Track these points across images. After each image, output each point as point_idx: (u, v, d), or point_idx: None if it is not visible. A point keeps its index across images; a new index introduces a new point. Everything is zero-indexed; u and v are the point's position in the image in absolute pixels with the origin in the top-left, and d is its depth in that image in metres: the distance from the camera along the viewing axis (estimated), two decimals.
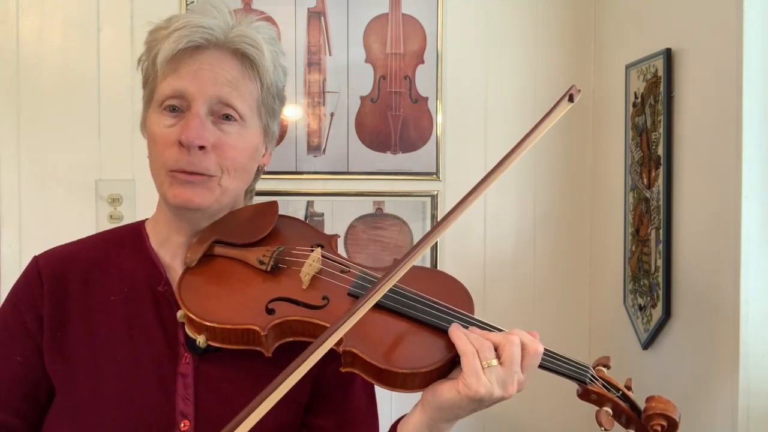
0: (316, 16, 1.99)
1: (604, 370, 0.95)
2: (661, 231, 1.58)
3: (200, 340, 0.90)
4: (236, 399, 0.95)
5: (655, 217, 1.62)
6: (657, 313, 1.59)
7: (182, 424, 0.94)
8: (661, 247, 1.58)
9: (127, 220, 1.89)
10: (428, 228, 2.02)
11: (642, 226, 1.70)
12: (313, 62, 2.00)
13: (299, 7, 1.99)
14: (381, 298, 0.90)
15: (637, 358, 1.70)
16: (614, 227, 1.89)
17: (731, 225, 1.33)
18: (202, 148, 0.95)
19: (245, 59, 0.99)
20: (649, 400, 0.93)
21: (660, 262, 1.58)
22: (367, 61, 2.01)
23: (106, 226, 1.91)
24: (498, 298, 2.04)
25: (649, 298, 1.65)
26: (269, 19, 1.98)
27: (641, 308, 1.69)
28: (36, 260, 1.03)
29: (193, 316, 0.90)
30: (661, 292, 1.57)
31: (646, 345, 1.64)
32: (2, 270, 1.91)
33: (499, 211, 2.05)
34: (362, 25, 2.00)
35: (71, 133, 1.94)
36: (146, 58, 1.00)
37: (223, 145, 0.97)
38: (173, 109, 0.96)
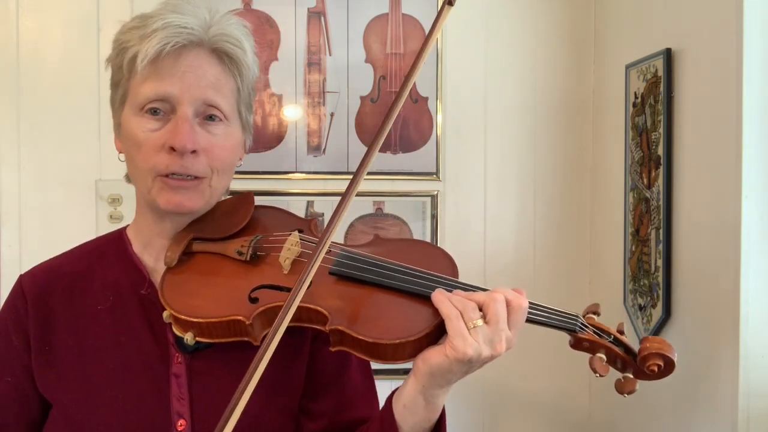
0: (316, 16, 1.99)
1: (594, 317, 0.94)
2: (661, 231, 1.58)
3: (188, 337, 0.90)
4: (230, 393, 0.95)
5: (655, 217, 1.62)
6: (657, 313, 1.59)
7: (179, 424, 0.94)
8: (661, 247, 1.58)
9: (127, 220, 1.89)
10: (428, 228, 2.02)
11: (642, 226, 1.70)
12: (313, 62, 2.00)
13: (299, 7, 1.99)
14: (364, 273, 0.91)
15: None
16: (614, 227, 1.89)
17: (731, 225, 1.33)
18: (194, 152, 0.94)
19: (226, 58, 0.98)
20: (643, 341, 0.92)
21: (660, 262, 1.58)
22: (367, 61, 2.01)
23: (106, 226, 1.92)
24: None
25: (649, 298, 1.65)
26: (269, 20, 1.98)
27: (641, 308, 1.69)
28: (20, 280, 1.04)
29: (178, 315, 0.90)
30: (661, 292, 1.57)
31: None
32: (2, 270, 1.91)
33: (499, 211, 2.05)
34: (362, 25, 2.00)
35: (71, 133, 1.94)
36: (117, 58, 0.98)
37: (213, 146, 0.97)
38: (155, 112, 0.95)
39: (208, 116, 0.97)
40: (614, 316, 1.88)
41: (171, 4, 0.97)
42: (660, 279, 1.58)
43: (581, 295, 2.06)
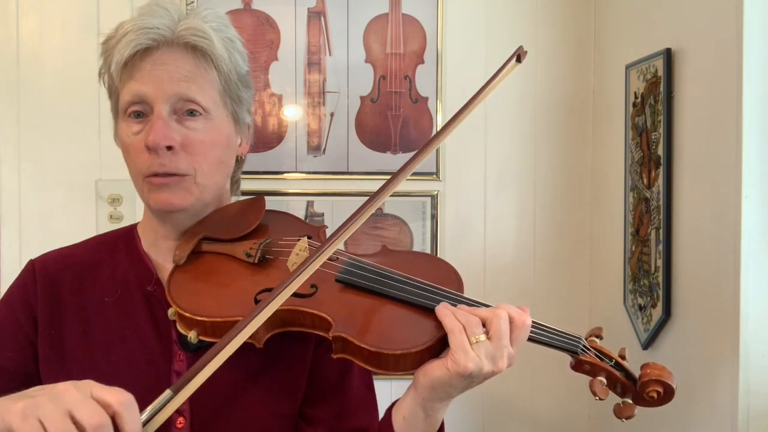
0: (316, 16, 1.99)
1: (597, 340, 0.94)
2: (661, 231, 1.58)
3: (191, 335, 0.90)
4: (230, 393, 0.96)
5: (655, 217, 1.62)
6: (657, 313, 1.59)
7: (178, 422, 0.94)
8: (661, 247, 1.58)
9: (127, 220, 1.89)
10: (428, 228, 2.02)
11: (642, 226, 1.70)
12: (313, 62, 2.00)
13: (299, 7, 1.99)
14: (370, 282, 0.92)
15: (637, 358, 1.70)
16: (614, 227, 1.89)
17: (731, 225, 1.33)
18: (170, 148, 0.94)
19: (197, 51, 0.98)
20: (644, 367, 0.92)
21: (660, 262, 1.58)
22: (367, 61, 2.01)
23: (106, 226, 1.92)
24: (498, 299, 2.03)
25: (649, 298, 1.65)
26: (269, 20, 1.98)
27: (641, 308, 1.69)
28: (32, 263, 1.04)
29: (183, 312, 0.91)
30: (661, 292, 1.57)
31: (646, 345, 1.64)
32: (2, 270, 1.91)
33: (499, 212, 2.05)
34: (362, 25, 2.00)
35: (71, 133, 1.94)
36: (105, 69, 1.00)
37: (191, 142, 0.96)
38: (138, 115, 0.96)
39: (188, 111, 0.97)
40: (614, 316, 1.88)
41: (145, 8, 0.98)
42: (660, 279, 1.58)
43: (581, 295, 2.07)
